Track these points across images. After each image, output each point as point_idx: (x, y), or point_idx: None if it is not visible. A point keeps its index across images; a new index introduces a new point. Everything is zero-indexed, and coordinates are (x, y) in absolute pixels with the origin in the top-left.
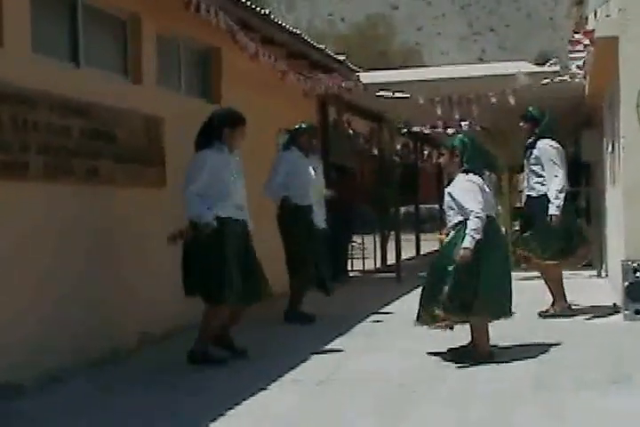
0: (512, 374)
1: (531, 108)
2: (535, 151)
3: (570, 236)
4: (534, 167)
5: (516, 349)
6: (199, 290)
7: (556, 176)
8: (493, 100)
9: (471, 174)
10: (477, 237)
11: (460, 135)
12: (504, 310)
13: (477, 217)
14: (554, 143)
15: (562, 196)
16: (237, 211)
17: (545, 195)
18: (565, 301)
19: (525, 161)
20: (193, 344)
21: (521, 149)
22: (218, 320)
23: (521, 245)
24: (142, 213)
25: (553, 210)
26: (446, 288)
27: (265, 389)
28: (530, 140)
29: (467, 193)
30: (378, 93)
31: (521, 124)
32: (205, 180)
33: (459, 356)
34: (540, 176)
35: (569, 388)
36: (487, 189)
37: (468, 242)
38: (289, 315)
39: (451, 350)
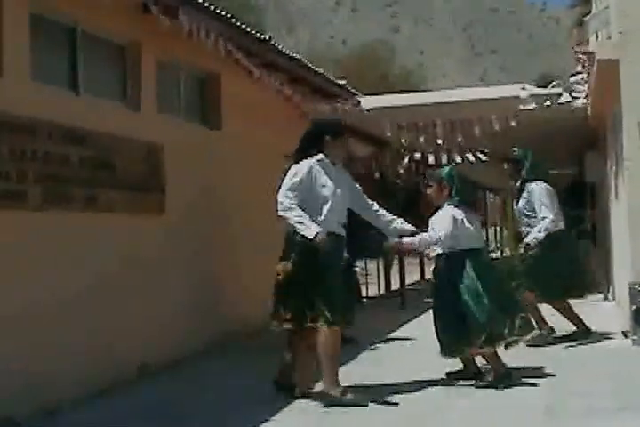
0: (522, 401)
1: (514, 150)
2: (524, 194)
3: (570, 273)
4: (525, 210)
5: (526, 375)
6: (315, 313)
7: (545, 218)
8: (496, 125)
9: (453, 207)
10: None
11: (447, 168)
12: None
13: (438, 237)
14: (543, 185)
15: (543, 234)
16: (340, 227)
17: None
18: (584, 325)
19: (515, 204)
20: (324, 386)
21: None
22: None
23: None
24: (142, 241)
25: (529, 238)
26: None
27: (269, 419)
28: (518, 183)
29: (441, 221)
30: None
31: (504, 166)
32: (301, 192)
33: (457, 379)
34: (533, 217)
35: (579, 414)
36: (468, 224)
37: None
38: None
39: (449, 373)
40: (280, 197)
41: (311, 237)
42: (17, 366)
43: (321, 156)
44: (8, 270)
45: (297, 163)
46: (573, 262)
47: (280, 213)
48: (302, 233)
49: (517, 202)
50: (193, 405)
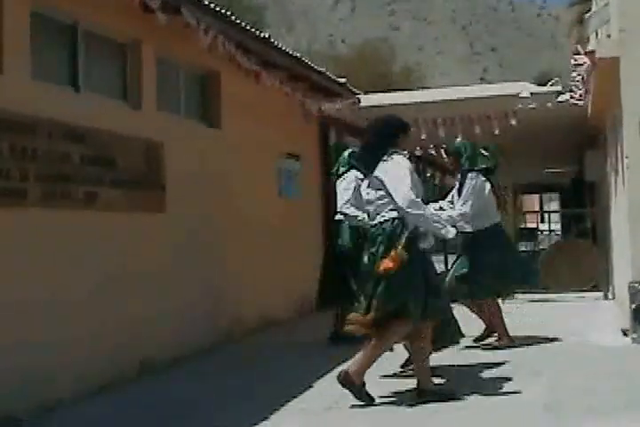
0: (521, 400)
1: (455, 143)
2: (463, 185)
3: (500, 271)
4: (455, 200)
5: (525, 374)
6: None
7: (460, 211)
8: (496, 123)
9: None
10: None
11: None
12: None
13: None
14: (476, 179)
15: (455, 222)
16: None
17: (477, 231)
18: (507, 332)
19: (454, 195)
20: (419, 383)
21: (522, 169)
22: None
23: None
24: (142, 239)
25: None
26: None
27: (269, 419)
28: (459, 175)
29: None
30: None
31: (445, 159)
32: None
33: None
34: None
35: (579, 413)
36: None
37: None
38: None
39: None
40: (411, 195)
41: (452, 236)
42: (17, 362)
43: (405, 152)
44: (8, 268)
45: (374, 159)
46: (506, 260)
47: (415, 212)
48: (439, 233)
49: (457, 193)
50: (192, 404)
